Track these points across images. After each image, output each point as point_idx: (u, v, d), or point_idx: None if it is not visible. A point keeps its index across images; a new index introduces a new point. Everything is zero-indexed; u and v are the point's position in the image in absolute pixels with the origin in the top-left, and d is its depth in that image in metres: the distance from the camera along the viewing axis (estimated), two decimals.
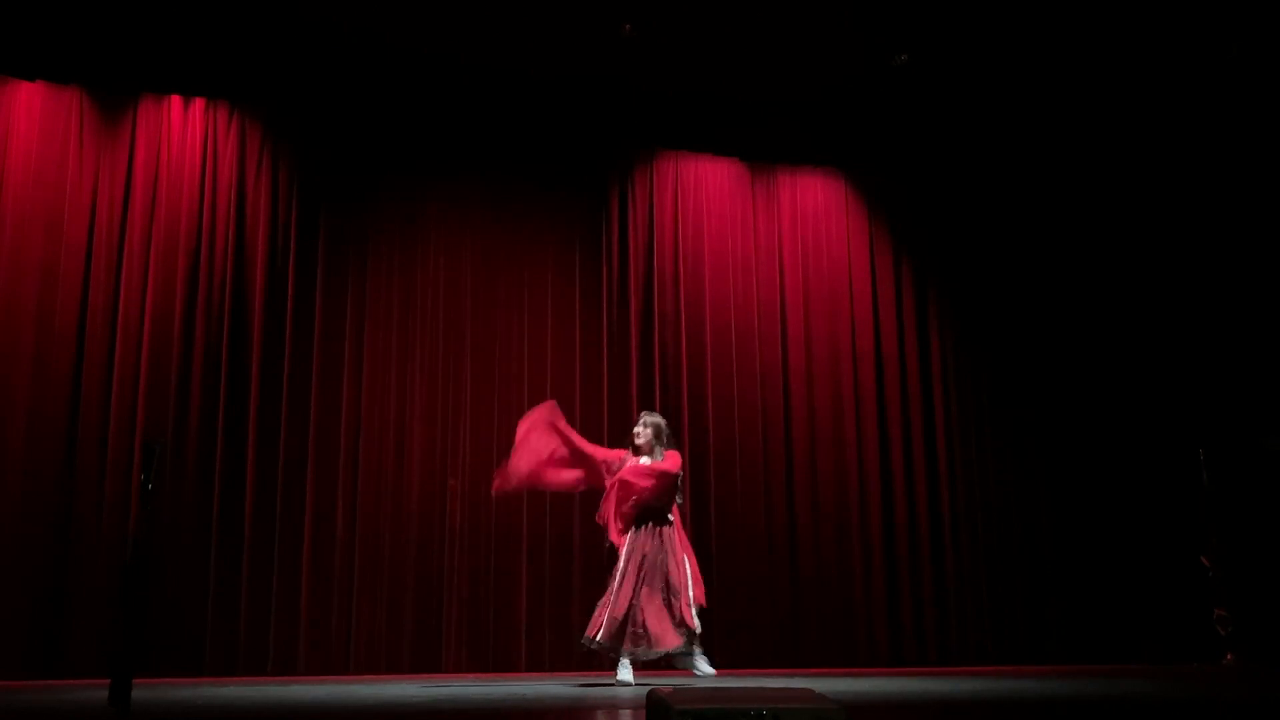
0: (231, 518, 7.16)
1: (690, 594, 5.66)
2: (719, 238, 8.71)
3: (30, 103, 7.32)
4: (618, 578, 5.68)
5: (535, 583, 7.68)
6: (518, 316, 8.11)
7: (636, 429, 5.96)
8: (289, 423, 7.42)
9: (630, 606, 5.58)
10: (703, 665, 5.81)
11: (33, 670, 6.54)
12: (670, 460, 5.88)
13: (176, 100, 7.67)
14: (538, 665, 7.50)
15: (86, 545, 6.83)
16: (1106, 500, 8.82)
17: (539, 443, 5.78)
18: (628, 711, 3.78)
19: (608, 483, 5.78)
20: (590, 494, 7.87)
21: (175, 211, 7.48)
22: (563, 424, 5.86)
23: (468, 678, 6.83)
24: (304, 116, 7.94)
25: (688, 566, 5.75)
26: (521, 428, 5.83)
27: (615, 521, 5.74)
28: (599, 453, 5.91)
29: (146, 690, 4.94)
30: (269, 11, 7.54)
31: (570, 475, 5.90)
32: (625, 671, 5.58)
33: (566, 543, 7.79)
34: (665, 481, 5.78)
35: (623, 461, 5.86)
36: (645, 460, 5.86)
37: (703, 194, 8.76)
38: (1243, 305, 8.82)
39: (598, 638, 5.58)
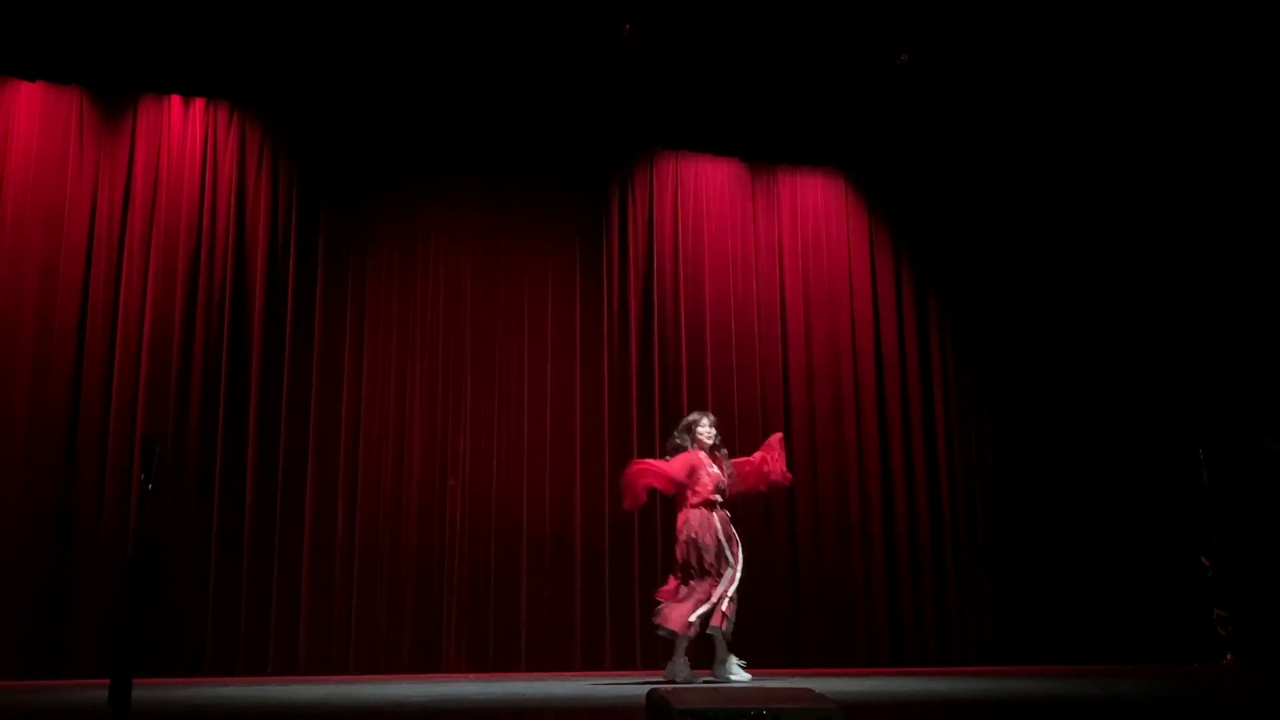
0: (231, 518, 7.16)
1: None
2: (719, 238, 8.70)
3: (30, 103, 7.32)
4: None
5: (535, 583, 7.68)
6: (518, 316, 8.11)
7: (713, 430, 6.16)
8: (289, 422, 7.41)
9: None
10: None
11: (33, 670, 6.54)
12: None
13: (176, 100, 7.66)
14: (538, 665, 7.49)
15: (86, 545, 6.83)
16: (1107, 500, 8.81)
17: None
18: (627, 712, 3.78)
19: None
20: (590, 494, 7.93)
21: (175, 211, 7.48)
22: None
23: (468, 678, 6.83)
24: (304, 117, 7.93)
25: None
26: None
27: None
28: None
29: (146, 690, 4.94)
30: (269, 12, 7.54)
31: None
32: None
33: (567, 543, 7.79)
34: None
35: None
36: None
37: (703, 194, 8.76)
38: (1242, 305, 8.81)
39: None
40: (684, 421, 6.26)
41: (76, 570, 6.78)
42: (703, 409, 6.71)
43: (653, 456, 8.02)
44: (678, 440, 6.14)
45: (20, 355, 6.95)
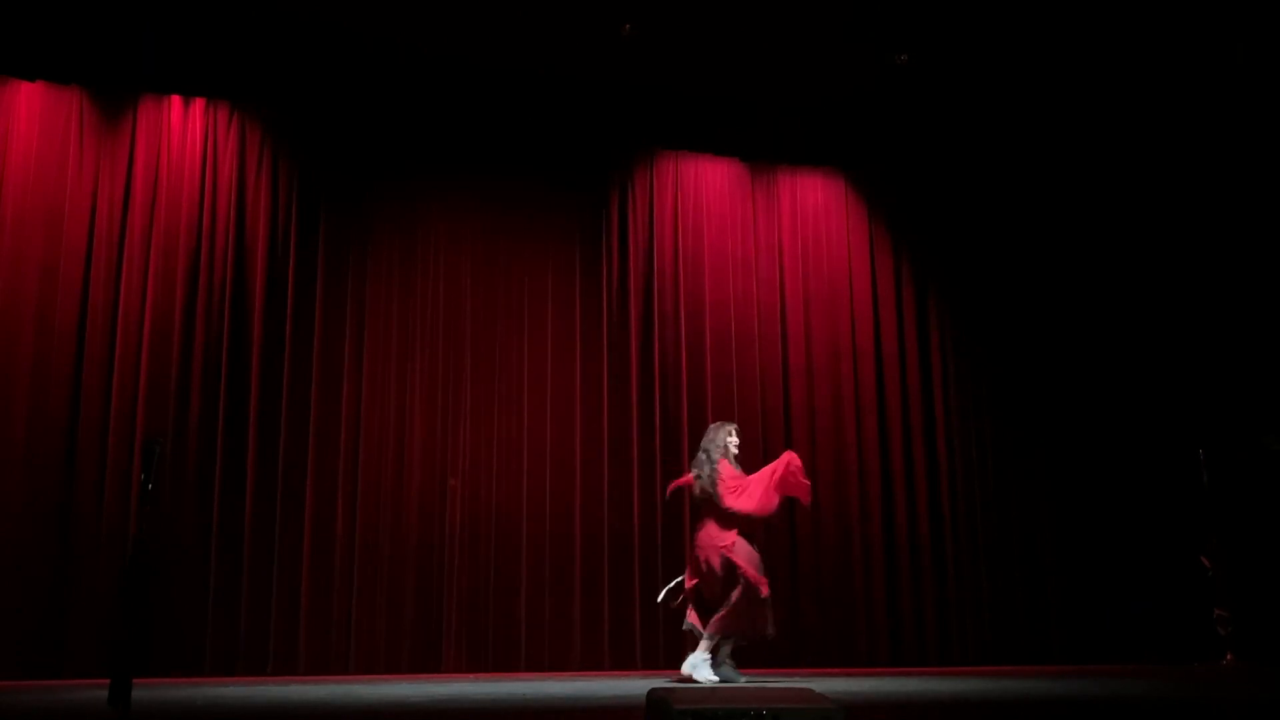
0: (231, 517, 7.16)
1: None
2: (719, 238, 8.70)
3: (30, 103, 7.32)
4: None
5: (535, 583, 7.68)
6: (517, 316, 8.11)
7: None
8: (289, 422, 7.41)
9: None
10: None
11: (33, 670, 6.53)
12: None
13: (176, 100, 7.66)
14: (538, 665, 7.49)
15: (87, 545, 6.83)
16: (1107, 500, 8.81)
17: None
18: (627, 711, 3.79)
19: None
20: (590, 493, 7.93)
21: (175, 211, 7.48)
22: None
23: (468, 678, 6.83)
24: (304, 117, 7.93)
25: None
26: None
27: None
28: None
29: (146, 690, 4.94)
30: (269, 12, 7.53)
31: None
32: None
33: (567, 543, 7.79)
34: None
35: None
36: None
37: (703, 194, 8.76)
38: (1242, 306, 8.81)
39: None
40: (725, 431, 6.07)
41: (76, 570, 6.78)
42: (723, 418, 6.61)
43: (652, 457, 8.07)
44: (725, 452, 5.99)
45: (20, 355, 6.95)
